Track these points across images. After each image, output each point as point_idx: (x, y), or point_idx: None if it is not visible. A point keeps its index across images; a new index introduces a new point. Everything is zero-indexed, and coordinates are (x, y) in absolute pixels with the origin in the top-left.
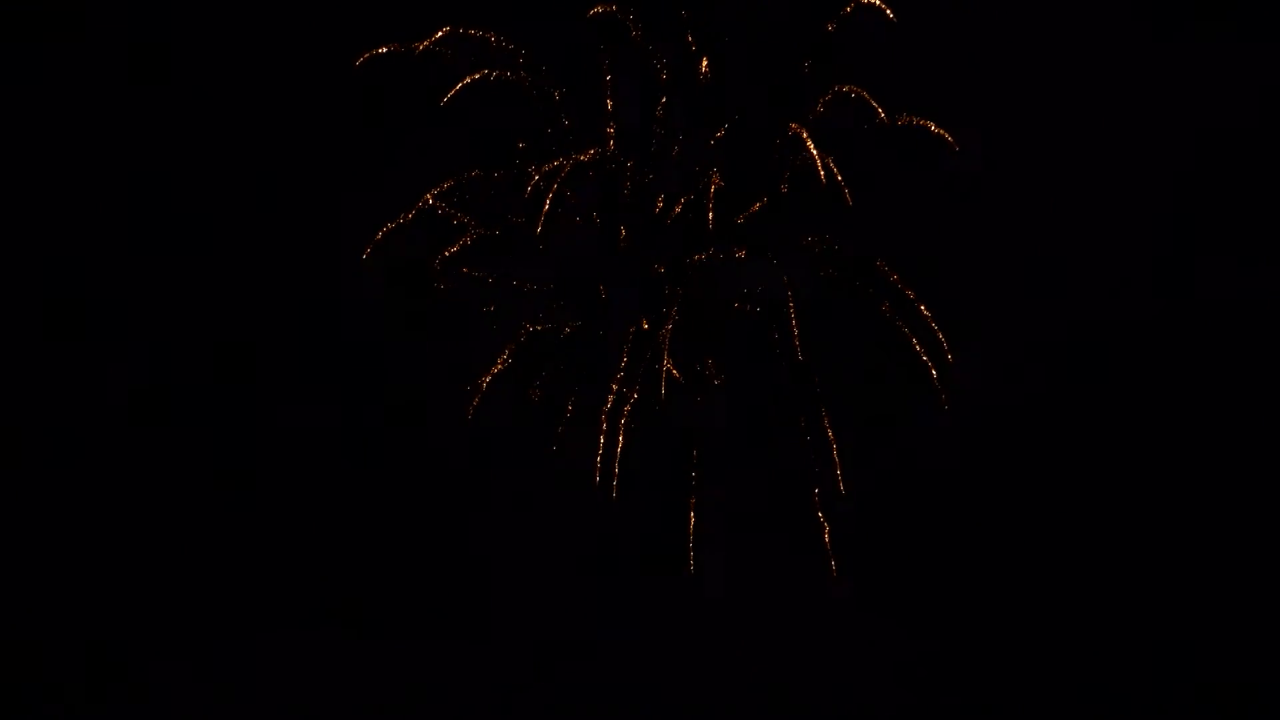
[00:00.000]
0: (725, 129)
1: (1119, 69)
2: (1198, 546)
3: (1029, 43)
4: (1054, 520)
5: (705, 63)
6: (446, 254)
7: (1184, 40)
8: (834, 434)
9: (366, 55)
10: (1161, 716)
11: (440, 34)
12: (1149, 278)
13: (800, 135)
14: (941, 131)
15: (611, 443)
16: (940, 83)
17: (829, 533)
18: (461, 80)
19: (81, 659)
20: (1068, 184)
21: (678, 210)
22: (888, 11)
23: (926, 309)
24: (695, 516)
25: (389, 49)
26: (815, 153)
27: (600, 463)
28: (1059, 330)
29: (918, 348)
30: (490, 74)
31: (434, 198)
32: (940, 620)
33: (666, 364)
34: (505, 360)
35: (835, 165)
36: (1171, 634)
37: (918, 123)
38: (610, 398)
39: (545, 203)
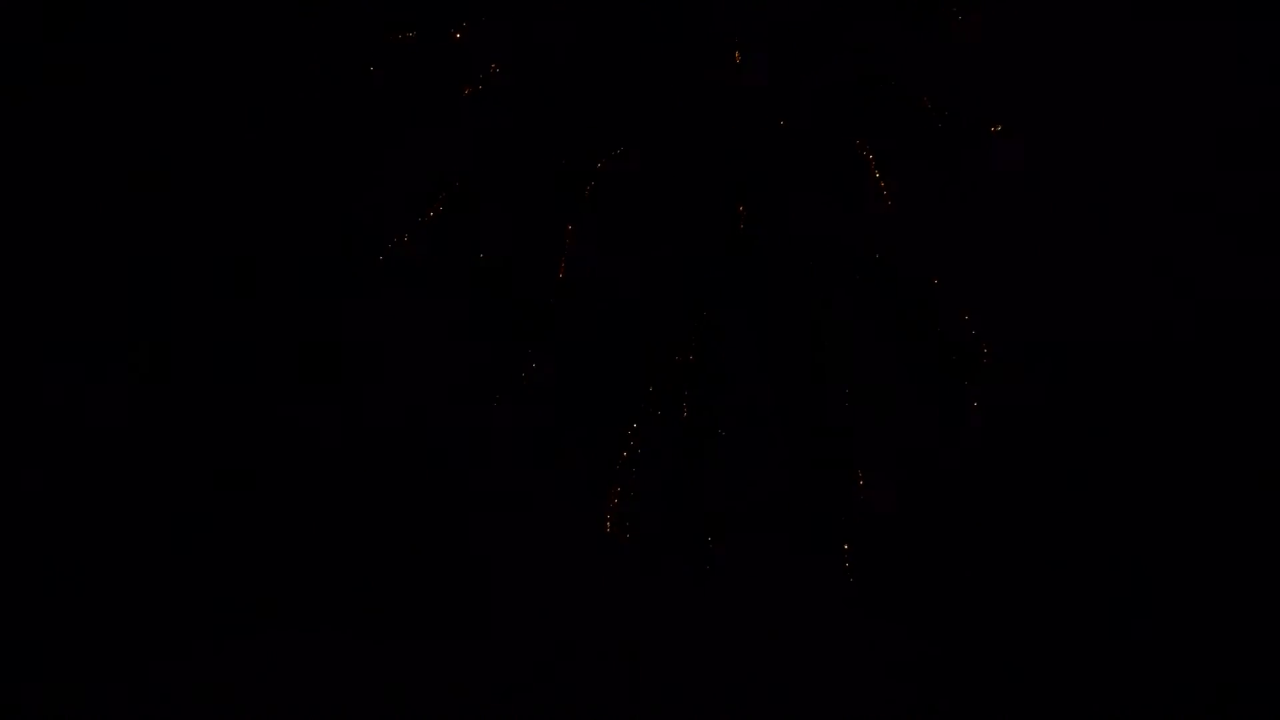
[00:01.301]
0: (758, 127)
1: (1138, 69)
2: (1202, 550)
3: (1038, 43)
4: (1061, 523)
5: (738, 56)
6: (458, 254)
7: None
8: (855, 434)
9: (390, 39)
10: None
11: (467, 24)
12: (1184, 282)
13: (857, 144)
14: (996, 129)
15: (629, 458)
16: (967, 81)
17: (848, 538)
18: (484, 73)
19: (81, 658)
20: (1094, 186)
21: (707, 212)
22: (959, 16)
23: (962, 312)
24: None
25: (413, 35)
26: (870, 157)
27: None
28: (1070, 334)
29: (950, 353)
30: (513, 65)
31: (449, 196)
32: (947, 623)
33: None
34: (531, 367)
35: (878, 164)
36: (1176, 637)
37: (968, 121)
38: (632, 414)
39: (572, 205)
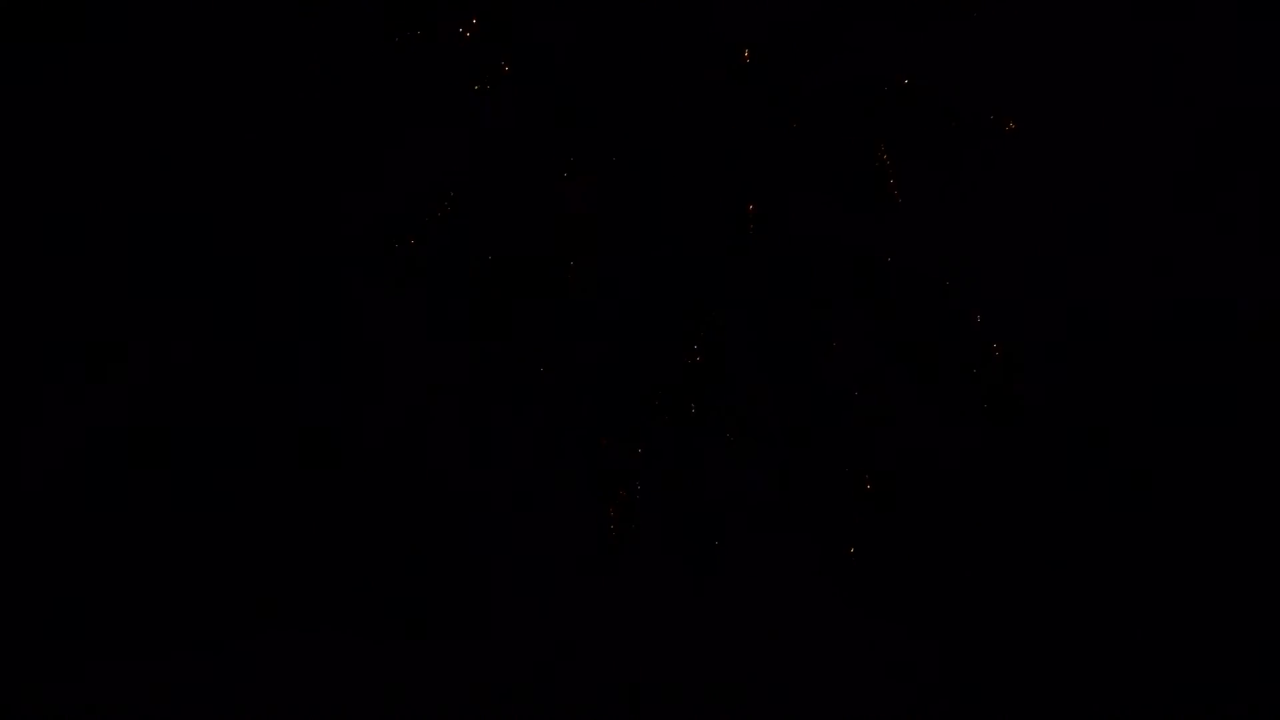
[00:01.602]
0: (761, 127)
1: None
2: (1203, 551)
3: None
4: (1062, 523)
5: (747, 54)
6: (458, 254)
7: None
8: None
9: (396, 38)
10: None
11: (471, 24)
12: (1187, 282)
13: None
14: (1011, 125)
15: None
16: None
17: (848, 538)
18: (488, 73)
19: (81, 658)
20: (1095, 186)
21: (711, 212)
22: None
23: (972, 313)
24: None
25: (414, 34)
26: (885, 157)
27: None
28: (1071, 334)
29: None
30: (513, 65)
31: (450, 196)
32: (947, 623)
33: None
34: (542, 371)
35: (883, 164)
36: (1177, 637)
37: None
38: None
39: (574, 205)
